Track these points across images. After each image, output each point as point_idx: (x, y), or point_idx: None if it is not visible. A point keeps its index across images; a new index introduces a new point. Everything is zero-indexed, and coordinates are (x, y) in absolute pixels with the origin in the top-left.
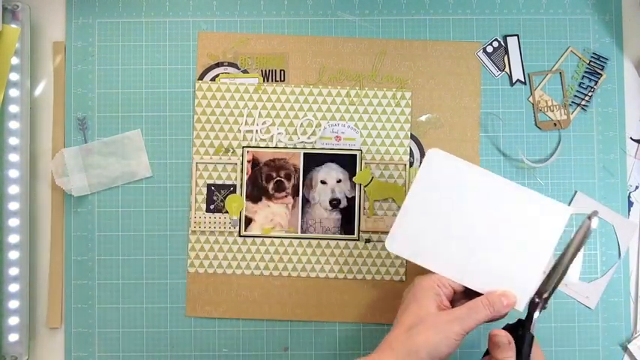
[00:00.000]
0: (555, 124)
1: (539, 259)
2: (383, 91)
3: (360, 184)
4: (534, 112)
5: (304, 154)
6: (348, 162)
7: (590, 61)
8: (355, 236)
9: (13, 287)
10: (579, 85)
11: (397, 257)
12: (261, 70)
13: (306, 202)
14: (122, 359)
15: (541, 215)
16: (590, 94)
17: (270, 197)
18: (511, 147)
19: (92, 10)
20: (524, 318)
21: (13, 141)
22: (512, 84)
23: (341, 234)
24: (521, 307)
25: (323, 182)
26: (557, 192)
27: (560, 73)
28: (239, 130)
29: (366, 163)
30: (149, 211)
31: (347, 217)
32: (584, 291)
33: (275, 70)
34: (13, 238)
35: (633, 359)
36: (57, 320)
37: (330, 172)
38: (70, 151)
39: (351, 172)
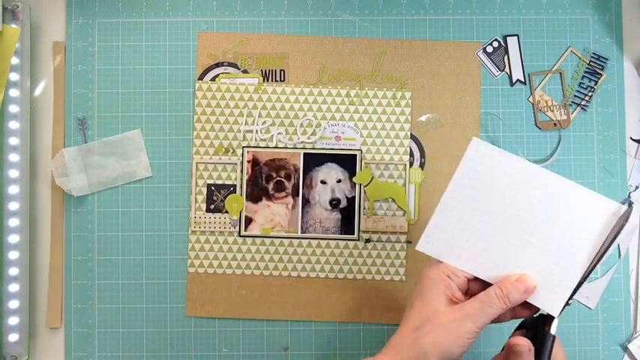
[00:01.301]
0: (555, 124)
1: (582, 259)
2: (383, 91)
3: (360, 184)
4: (534, 112)
5: (304, 154)
6: (348, 162)
7: (590, 61)
8: (355, 236)
9: (13, 287)
10: (579, 85)
11: (397, 257)
12: (261, 70)
13: (306, 202)
14: (122, 359)
15: (588, 212)
16: (590, 94)
17: (270, 197)
18: (511, 147)
19: (92, 10)
20: (545, 313)
21: (13, 141)
22: (512, 84)
23: (341, 234)
24: (557, 310)
25: (323, 182)
26: None
27: (560, 73)
28: (239, 130)
29: (366, 163)
30: (149, 211)
31: (347, 217)
32: (584, 291)
33: (275, 70)
34: (13, 238)
35: (633, 359)
36: (57, 320)
37: (330, 172)
38: (70, 151)
39: (351, 172)
